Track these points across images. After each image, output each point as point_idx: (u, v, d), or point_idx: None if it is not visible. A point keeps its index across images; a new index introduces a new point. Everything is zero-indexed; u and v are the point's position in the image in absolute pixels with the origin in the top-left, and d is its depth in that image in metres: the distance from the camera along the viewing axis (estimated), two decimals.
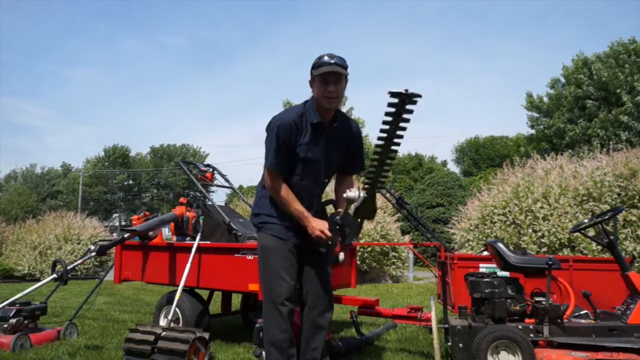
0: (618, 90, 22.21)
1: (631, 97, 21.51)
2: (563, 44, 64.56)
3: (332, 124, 2.74)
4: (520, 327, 3.13)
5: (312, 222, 2.69)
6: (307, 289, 2.80)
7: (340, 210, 2.63)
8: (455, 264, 4.31)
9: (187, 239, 4.67)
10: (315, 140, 2.70)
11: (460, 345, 3.18)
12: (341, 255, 4.31)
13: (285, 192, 2.71)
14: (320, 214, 2.85)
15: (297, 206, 2.70)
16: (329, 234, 2.62)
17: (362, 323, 4.91)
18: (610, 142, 10.56)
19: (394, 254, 11.69)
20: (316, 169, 2.76)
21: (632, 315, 3.13)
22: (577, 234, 6.54)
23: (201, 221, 4.48)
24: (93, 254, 4.47)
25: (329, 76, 2.58)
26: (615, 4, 56.42)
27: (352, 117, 35.96)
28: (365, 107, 79.03)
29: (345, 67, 2.61)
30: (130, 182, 52.32)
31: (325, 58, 2.59)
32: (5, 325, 4.07)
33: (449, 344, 3.29)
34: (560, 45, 64.11)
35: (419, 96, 2.17)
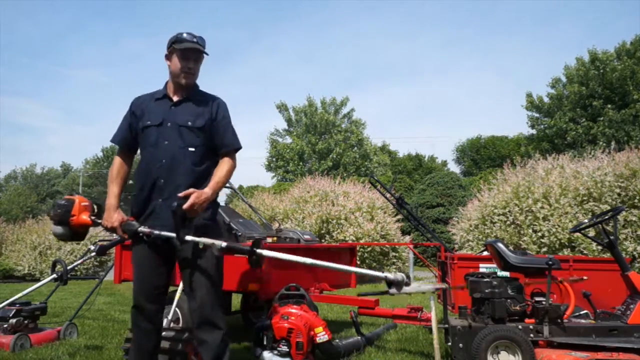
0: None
1: None
2: (564, 44, 64.47)
3: (187, 98, 2.67)
4: (520, 327, 3.13)
5: (108, 211, 2.61)
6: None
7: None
8: (455, 264, 4.32)
9: None
10: (157, 110, 2.65)
11: (461, 345, 3.18)
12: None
13: (114, 169, 2.76)
14: (196, 185, 2.55)
15: (112, 187, 2.71)
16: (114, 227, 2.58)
17: (362, 323, 4.90)
18: (612, 142, 10.52)
19: (394, 254, 11.69)
20: (159, 133, 2.61)
21: (632, 315, 3.13)
22: (577, 234, 6.54)
23: None
24: (93, 254, 4.47)
25: (190, 53, 2.61)
26: (617, 4, 56.42)
27: (353, 117, 35.87)
28: (366, 107, 79.14)
29: (205, 47, 2.65)
30: (130, 182, 52.22)
31: (186, 35, 2.61)
32: (5, 326, 4.07)
33: (449, 344, 3.29)
34: (560, 45, 64.10)
35: None
